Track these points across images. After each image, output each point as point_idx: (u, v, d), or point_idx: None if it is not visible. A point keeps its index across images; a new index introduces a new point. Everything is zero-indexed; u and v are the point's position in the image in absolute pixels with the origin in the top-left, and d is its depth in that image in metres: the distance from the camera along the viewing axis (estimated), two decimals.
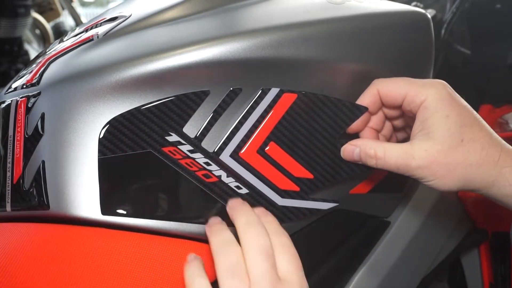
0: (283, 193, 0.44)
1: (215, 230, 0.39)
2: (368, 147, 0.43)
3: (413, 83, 0.43)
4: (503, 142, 0.43)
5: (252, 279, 0.35)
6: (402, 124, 0.48)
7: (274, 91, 0.42)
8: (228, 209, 0.41)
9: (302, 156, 0.44)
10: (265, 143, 0.43)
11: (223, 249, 0.37)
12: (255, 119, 0.42)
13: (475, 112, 0.43)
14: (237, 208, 0.40)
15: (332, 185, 0.46)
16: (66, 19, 3.60)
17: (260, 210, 0.43)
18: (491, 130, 0.43)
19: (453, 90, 0.43)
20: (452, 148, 0.41)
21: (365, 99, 0.45)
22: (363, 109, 0.45)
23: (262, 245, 0.37)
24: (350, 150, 0.44)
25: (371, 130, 0.46)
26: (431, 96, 0.41)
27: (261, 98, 0.42)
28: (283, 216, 0.45)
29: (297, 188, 0.45)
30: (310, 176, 0.45)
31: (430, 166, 0.41)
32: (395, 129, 0.48)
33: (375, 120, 0.46)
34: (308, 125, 0.44)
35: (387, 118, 0.47)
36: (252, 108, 0.42)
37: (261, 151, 0.43)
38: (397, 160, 0.42)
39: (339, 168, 0.46)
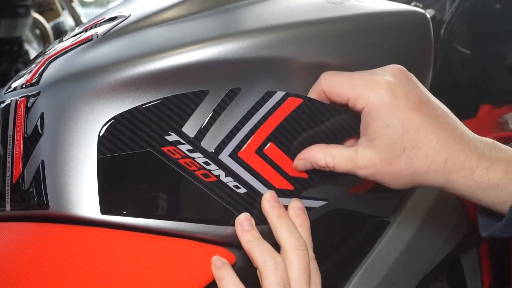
0: (279, 192, 0.44)
1: (253, 240, 0.41)
2: (318, 159, 0.43)
3: (356, 84, 0.41)
4: (456, 140, 0.40)
5: (291, 276, 0.39)
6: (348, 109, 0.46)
7: (279, 95, 0.42)
8: (267, 209, 0.43)
9: None
10: (264, 144, 0.43)
11: (271, 261, 0.39)
12: (257, 120, 0.42)
13: (425, 110, 0.40)
14: (280, 217, 0.42)
15: (326, 184, 0.46)
16: (66, 19, 3.60)
17: (299, 207, 0.44)
18: (443, 125, 0.40)
19: (406, 83, 0.41)
20: (395, 157, 0.40)
21: (311, 95, 0.43)
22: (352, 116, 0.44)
23: (306, 260, 0.40)
24: (302, 164, 0.44)
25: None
26: (371, 102, 0.40)
27: (265, 100, 0.42)
28: None
29: (291, 187, 0.45)
30: (305, 175, 0.45)
31: (375, 174, 0.41)
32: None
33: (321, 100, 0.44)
34: (309, 129, 0.43)
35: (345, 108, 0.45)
36: (255, 109, 0.42)
37: (259, 151, 0.43)
38: (346, 168, 0.42)
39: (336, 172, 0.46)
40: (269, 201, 0.43)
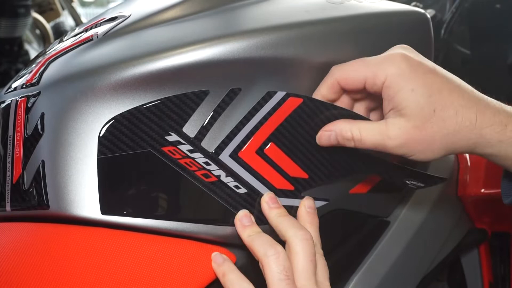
0: (279, 192, 0.44)
1: (253, 233, 0.41)
2: (344, 130, 0.42)
3: (370, 64, 0.41)
4: (479, 98, 0.41)
5: (301, 282, 0.38)
6: (375, 104, 0.46)
7: (280, 95, 0.42)
8: (266, 210, 0.43)
9: (300, 156, 0.44)
10: (265, 144, 0.43)
11: (271, 251, 0.39)
12: (258, 121, 0.42)
13: (442, 74, 0.41)
14: (278, 213, 0.42)
15: (326, 184, 0.46)
16: (66, 19, 3.60)
17: (310, 205, 0.44)
18: (464, 87, 0.41)
19: (415, 55, 0.41)
20: (426, 120, 0.39)
21: (322, 90, 0.43)
22: (364, 119, 0.44)
23: (311, 251, 0.39)
24: (326, 136, 0.43)
25: (323, 99, 0.44)
26: (390, 74, 0.40)
27: (265, 100, 0.42)
28: None
29: (291, 188, 0.45)
30: (305, 176, 0.45)
31: (407, 143, 0.40)
32: (370, 109, 0.47)
33: (344, 105, 0.45)
34: (310, 129, 0.43)
35: (356, 100, 0.46)
36: (255, 109, 0.42)
37: (260, 152, 0.43)
38: (374, 140, 0.41)
39: (334, 169, 0.46)
40: (267, 203, 0.43)
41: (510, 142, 0.40)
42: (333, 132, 0.42)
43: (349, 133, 0.41)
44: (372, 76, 0.40)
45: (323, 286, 0.40)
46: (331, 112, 0.43)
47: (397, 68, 0.40)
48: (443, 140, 0.40)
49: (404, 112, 0.39)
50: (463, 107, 0.40)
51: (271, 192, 0.44)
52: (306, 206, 0.44)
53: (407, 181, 0.48)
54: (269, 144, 0.43)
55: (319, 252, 0.42)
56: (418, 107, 0.39)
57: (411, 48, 0.42)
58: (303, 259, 0.39)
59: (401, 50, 0.42)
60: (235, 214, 0.43)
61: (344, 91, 0.43)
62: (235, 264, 0.43)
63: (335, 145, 0.43)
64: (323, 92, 0.43)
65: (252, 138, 0.43)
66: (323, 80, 0.43)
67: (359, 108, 0.46)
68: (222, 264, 0.41)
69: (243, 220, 0.42)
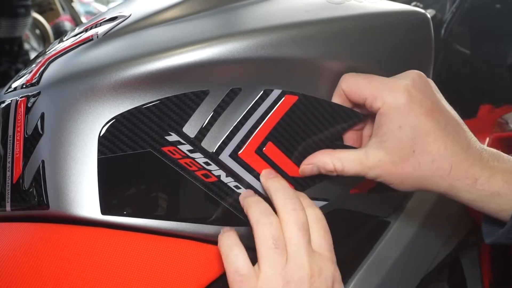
0: None
1: (253, 200, 0.41)
2: (326, 163, 0.43)
3: (373, 85, 0.42)
4: (458, 151, 0.41)
5: (290, 251, 0.37)
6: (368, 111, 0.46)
7: (276, 93, 0.42)
8: (263, 182, 0.42)
9: (298, 156, 0.44)
10: (263, 143, 0.43)
11: (264, 220, 0.38)
12: (256, 120, 0.42)
13: (436, 117, 0.41)
14: (274, 183, 0.42)
15: (326, 184, 0.46)
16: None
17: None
18: (452, 134, 0.41)
19: (422, 89, 0.42)
20: (403, 160, 0.41)
21: (334, 98, 0.45)
22: (360, 116, 0.45)
23: (300, 220, 0.38)
24: (308, 169, 0.44)
25: (352, 132, 0.46)
26: (387, 104, 0.41)
27: (262, 99, 0.42)
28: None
29: (291, 187, 0.45)
30: None
31: (383, 175, 0.42)
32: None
33: (343, 102, 0.45)
34: (306, 127, 0.44)
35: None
36: (253, 108, 0.42)
37: (259, 151, 0.43)
38: (355, 170, 0.42)
39: None
40: (265, 176, 0.43)
41: (478, 195, 0.41)
42: (314, 165, 0.44)
43: (331, 165, 0.43)
44: (371, 98, 0.42)
45: (320, 257, 0.39)
46: (325, 108, 0.43)
47: (395, 100, 0.41)
48: (416, 181, 0.42)
49: (385, 145, 0.41)
50: (441, 157, 0.41)
51: (268, 168, 0.44)
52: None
53: None
54: (268, 143, 0.43)
55: (319, 220, 0.41)
56: (400, 144, 0.41)
57: (423, 76, 0.43)
58: (292, 228, 0.38)
59: (409, 80, 0.42)
60: (235, 214, 0.43)
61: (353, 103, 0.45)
62: None
63: (317, 174, 0.44)
64: (335, 101, 0.45)
65: (251, 137, 0.43)
66: (336, 89, 0.44)
67: (369, 124, 0.47)
68: (223, 233, 0.40)
69: (245, 193, 0.43)
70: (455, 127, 0.42)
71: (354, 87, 0.43)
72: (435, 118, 0.41)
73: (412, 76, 0.42)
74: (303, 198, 0.42)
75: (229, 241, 0.39)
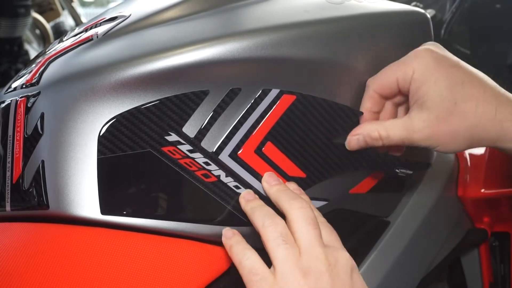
0: None
1: (256, 206, 0.41)
2: (371, 131, 0.44)
3: (399, 64, 0.44)
4: (500, 93, 0.42)
5: (303, 245, 0.38)
6: (401, 100, 0.47)
7: (274, 92, 0.42)
8: (266, 189, 0.43)
9: (297, 155, 0.44)
10: (263, 143, 0.43)
11: (269, 222, 0.39)
12: (255, 119, 0.42)
13: (464, 67, 0.43)
14: (278, 186, 0.42)
15: (326, 184, 0.46)
16: (66, 19, 3.60)
17: (295, 188, 0.44)
18: (486, 81, 0.42)
19: (441, 50, 0.43)
20: (448, 112, 0.41)
21: (366, 104, 0.45)
22: (358, 114, 0.45)
23: (309, 216, 0.39)
24: (354, 140, 0.45)
25: (370, 113, 0.46)
26: (416, 68, 0.42)
27: (261, 98, 0.42)
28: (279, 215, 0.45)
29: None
30: (303, 175, 0.45)
31: (431, 135, 0.42)
32: (396, 105, 0.48)
33: (389, 112, 0.47)
34: (305, 126, 0.44)
35: (399, 105, 0.47)
36: (252, 108, 0.42)
37: (258, 151, 0.43)
38: (400, 136, 0.43)
39: (330, 168, 0.46)
40: (267, 181, 0.43)
41: None
42: (361, 136, 0.44)
43: (376, 133, 0.43)
44: (402, 74, 0.43)
45: (333, 248, 0.39)
46: (323, 107, 0.44)
47: (422, 62, 0.42)
48: (466, 132, 0.42)
49: (427, 104, 0.41)
50: (484, 101, 0.41)
51: (270, 172, 0.44)
52: (292, 189, 0.44)
53: (397, 170, 0.49)
54: (267, 143, 0.43)
55: (321, 220, 0.42)
56: (440, 98, 0.41)
57: (438, 44, 0.44)
58: (302, 223, 0.38)
59: (427, 45, 0.44)
60: (235, 214, 0.43)
61: (386, 99, 0.46)
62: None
63: (364, 147, 0.45)
64: (366, 105, 0.45)
65: (250, 137, 0.43)
66: (364, 95, 0.45)
67: (401, 112, 0.47)
68: (231, 238, 0.41)
69: (246, 196, 0.43)
70: (482, 75, 0.43)
71: (383, 78, 0.44)
72: (464, 68, 0.42)
73: (428, 43, 0.45)
74: (306, 199, 0.43)
75: (240, 247, 0.39)
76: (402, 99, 0.46)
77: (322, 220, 0.42)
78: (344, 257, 0.39)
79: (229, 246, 0.40)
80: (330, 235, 0.40)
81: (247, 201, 0.42)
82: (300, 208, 0.39)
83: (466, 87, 0.41)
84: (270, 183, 0.43)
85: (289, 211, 0.39)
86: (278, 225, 0.39)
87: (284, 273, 0.36)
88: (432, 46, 0.44)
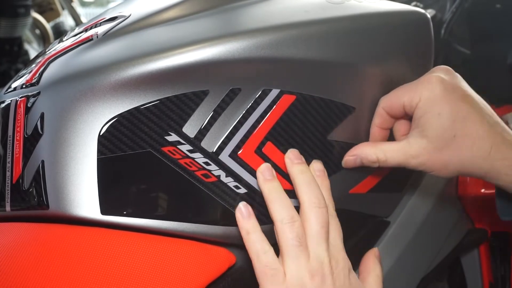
0: None
1: (273, 189, 0.42)
2: (369, 155, 0.45)
3: (409, 88, 0.45)
4: (498, 131, 0.43)
5: (311, 248, 0.40)
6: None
7: (274, 92, 0.42)
8: (290, 171, 0.43)
9: None
10: (263, 143, 0.43)
11: (288, 219, 0.41)
12: (255, 119, 0.42)
13: (471, 101, 0.44)
14: (299, 165, 0.43)
15: None
16: (66, 19, 3.60)
17: (319, 169, 0.45)
18: (486, 118, 0.43)
19: (452, 77, 0.44)
20: (445, 145, 0.43)
21: (375, 120, 0.47)
22: (351, 109, 0.46)
23: (324, 219, 0.41)
24: (351, 160, 0.46)
25: (379, 129, 0.48)
26: (424, 96, 0.43)
27: (261, 98, 0.42)
28: None
29: (291, 187, 0.45)
30: None
31: (426, 162, 0.44)
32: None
33: (402, 129, 0.48)
34: (304, 126, 0.44)
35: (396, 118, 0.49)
36: (252, 108, 0.42)
37: (258, 151, 0.43)
38: (398, 160, 0.44)
39: (330, 168, 0.46)
40: (290, 159, 0.44)
41: None
42: (358, 157, 0.46)
43: (374, 156, 0.45)
44: (409, 99, 0.44)
45: (335, 249, 0.42)
46: (321, 106, 0.44)
47: (430, 91, 0.43)
48: (457, 164, 0.44)
49: (427, 133, 0.43)
50: (481, 139, 0.43)
51: (295, 149, 0.44)
52: (316, 169, 0.45)
53: None
54: (267, 143, 0.43)
55: (332, 213, 0.44)
56: (441, 130, 0.43)
57: (450, 69, 0.45)
58: (315, 226, 0.41)
59: (439, 71, 0.45)
60: (235, 214, 0.43)
61: (395, 118, 0.47)
62: (235, 264, 0.44)
63: (359, 166, 0.46)
64: (376, 122, 0.47)
65: (250, 137, 0.43)
66: (375, 110, 0.47)
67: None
68: (248, 220, 0.42)
69: (265, 172, 0.43)
70: (487, 111, 0.44)
71: (392, 99, 0.46)
72: (470, 103, 0.43)
73: (440, 69, 0.46)
74: (324, 188, 0.44)
75: (258, 236, 0.41)
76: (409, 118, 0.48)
77: (332, 213, 0.43)
78: (343, 259, 0.42)
79: (245, 231, 0.41)
80: (334, 231, 0.43)
81: (266, 180, 0.42)
82: (318, 208, 0.41)
83: (467, 123, 0.43)
84: (293, 160, 0.43)
85: (307, 207, 0.41)
86: (295, 223, 0.40)
87: (294, 273, 0.40)
88: (444, 73, 0.45)
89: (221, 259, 0.43)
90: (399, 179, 0.56)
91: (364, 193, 0.51)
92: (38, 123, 0.41)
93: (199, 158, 0.42)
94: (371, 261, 0.46)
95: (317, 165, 0.45)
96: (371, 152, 0.45)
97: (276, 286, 0.39)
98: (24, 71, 0.48)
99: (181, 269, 0.40)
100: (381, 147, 0.45)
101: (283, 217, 0.41)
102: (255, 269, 0.40)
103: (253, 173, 0.43)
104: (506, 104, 0.86)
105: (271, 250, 0.41)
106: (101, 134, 0.40)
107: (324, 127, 0.45)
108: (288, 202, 0.42)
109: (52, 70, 0.43)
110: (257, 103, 0.42)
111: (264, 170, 0.43)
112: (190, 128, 0.41)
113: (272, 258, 0.40)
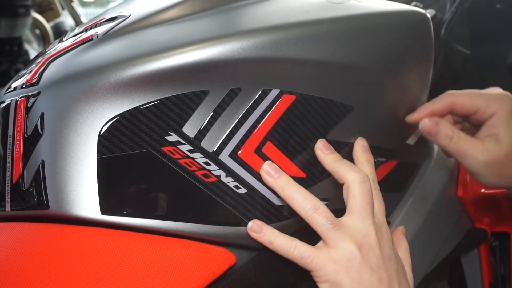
0: None
1: (294, 191, 0.43)
2: (450, 129, 0.48)
3: (484, 97, 0.49)
4: None
5: (358, 221, 0.42)
6: (459, 121, 0.53)
7: (274, 92, 0.42)
8: (321, 156, 0.45)
9: (297, 155, 0.45)
10: (262, 143, 0.43)
11: (311, 208, 0.42)
12: (255, 119, 0.42)
13: None
14: (332, 155, 0.45)
15: (325, 184, 0.46)
16: (66, 19, 3.60)
17: (364, 145, 0.47)
18: None
19: None
20: (507, 156, 0.47)
21: (437, 105, 0.50)
22: (350, 109, 0.46)
23: (369, 193, 0.43)
24: (431, 124, 0.49)
25: (429, 115, 0.50)
26: (501, 109, 0.48)
27: (261, 98, 0.42)
28: (279, 214, 0.45)
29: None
30: (303, 175, 0.45)
31: (491, 164, 0.48)
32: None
33: (442, 110, 0.51)
34: (303, 126, 0.44)
35: (456, 122, 0.52)
36: (252, 108, 0.42)
37: (258, 151, 0.43)
38: (467, 149, 0.48)
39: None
40: (321, 150, 0.45)
41: None
42: (438, 126, 0.48)
43: (450, 132, 0.48)
44: (485, 107, 0.49)
45: (380, 223, 0.44)
46: (320, 105, 0.44)
47: (507, 106, 0.49)
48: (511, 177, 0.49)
49: (500, 141, 0.48)
50: None
51: (323, 139, 0.45)
52: (360, 145, 0.47)
53: None
54: (267, 143, 0.43)
55: (376, 188, 0.46)
56: (509, 142, 0.47)
57: None
58: (361, 202, 0.42)
59: (509, 94, 0.50)
60: (235, 214, 0.43)
61: (451, 113, 0.51)
62: (235, 264, 0.44)
63: (427, 134, 0.49)
64: (437, 107, 0.50)
65: (250, 137, 0.43)
66: (438, 98, 0.50)
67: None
68: (264, 233, 0.43)
69: (271, 172, 0.43)
70: None
71: (467, 99, 0.49)
72: None
73: (507, 93, 0.51)
74: (367, 163, 0.46)
75: (281, 240, 0.42)
76: (459, 120, 0.53)
77: (375, 189, 0.45)
78: (387, 232, 0.44)
79: (268, 242, 0.42)
80: (379, 206, 0.45)
81: (275, 179, 0.43)
82: (362, 183, 0.43)
83: None
84: (324, 151, 0.45)
85: (352, 183, 0.43)
86: (319, 209, 0.42)
87: (342, 250, 0.41)
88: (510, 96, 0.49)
89: (221, 259, 0.43)
90: (399, 179, 0.56)
91: None
92: (38, 123, 0.41)
93: (199, 158, 0.42)
94: (399, 237, 0.48)
95: (362, 141, 0.47)
96: (451, 128, 0.48)
97: (328, 262, 0.41)
98: (24, 71, 0.48)
99: (181, 269, 0.40)
100: (460, 132, 0.48)
101: (307, 208, 0.42)
102: (307, 265, 0.41)
103: (253, 173, 0.43)
104: None
105: (299, 244, 0.42)
106: (101, 134, 0.40)
107: (323, 126, 0.45)
108: (303, 191, 0.42)
109: (52, 70, 0.43)
110: (257, 103, 0.42)
111: (269, 169, 0.43)
112: (190, 128, 0.41)
113: (302, 249, 0.42)
